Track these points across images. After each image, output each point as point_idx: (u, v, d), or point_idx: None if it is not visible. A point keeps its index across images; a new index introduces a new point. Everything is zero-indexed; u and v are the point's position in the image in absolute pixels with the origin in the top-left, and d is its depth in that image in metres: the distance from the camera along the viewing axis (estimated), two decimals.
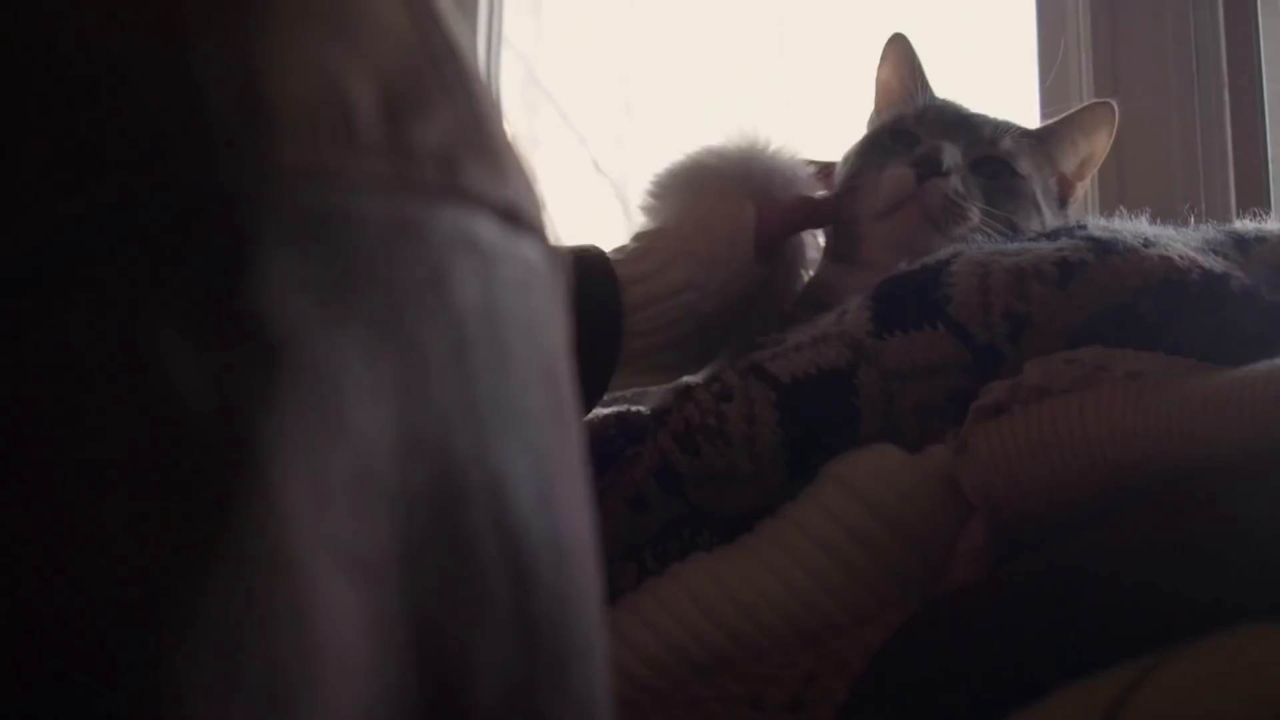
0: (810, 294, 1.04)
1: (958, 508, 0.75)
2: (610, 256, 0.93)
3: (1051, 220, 1.02)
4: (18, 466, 0.27)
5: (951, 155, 0.99)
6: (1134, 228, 0.80)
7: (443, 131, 0.34)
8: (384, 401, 0.31)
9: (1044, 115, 1.42)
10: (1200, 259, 0.75)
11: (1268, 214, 0.85)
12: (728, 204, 0.98)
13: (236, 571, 0.27)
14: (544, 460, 0.36)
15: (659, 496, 0.79)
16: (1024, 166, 1.02)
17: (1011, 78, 1.56)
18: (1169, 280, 0.74)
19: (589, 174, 1.92)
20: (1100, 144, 1.09)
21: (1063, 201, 1.08)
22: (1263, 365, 0.66)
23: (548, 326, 0.38)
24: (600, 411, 0.88)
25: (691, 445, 0.78)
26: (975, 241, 0.87)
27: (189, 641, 0.26)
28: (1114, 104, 1.09)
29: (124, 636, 0.26)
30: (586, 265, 0.90)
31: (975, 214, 0.97)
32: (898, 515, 0.75)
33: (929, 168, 0.97)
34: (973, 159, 1.00)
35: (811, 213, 1.04)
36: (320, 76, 0.31)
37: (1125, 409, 0.68)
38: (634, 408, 0.86)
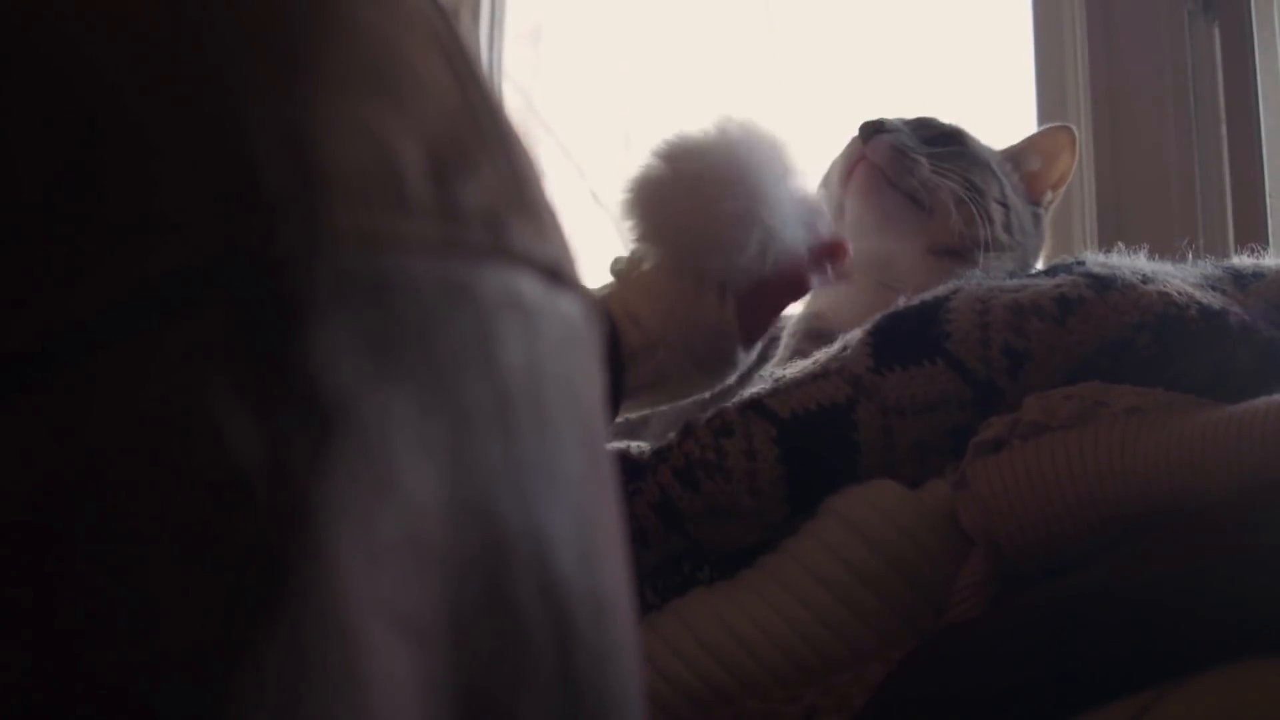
0: (808, 326, 1.05)
1: (957, 543, 0.75)
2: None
3: (1015, 197, 1.07)
4: (78, 532, 0.27)
5: (895, 124, 1.06)
6: (1132, 263, 0.80)
7: (487, 191, 0.34)
8: (433, 463, 0.31)
9: None
10: (1198, 295, 0.75)
11: (1266, 250, 0.85)
12: (708, 307, 0.89)
13: (292, 637, 0.27)
14: (585, 518, 0.36)
15: (659, 531, 0.79)
16: (974, 141, 1.09)
17: (1009, 114, 1.57)
18: (1167, 316, 0.74)
19: (588, 206, 1.93)
20: (1063, 166, 1.14)
21: (1033, 201, 1.12)
22: (1261, 401, 0.66)
23: (586, 384, 0.38)
24: None
25: (692, 480, 0.78)
26: (973, 277, 0.87)
27: (246, 709, 0.26)
28: (1073, 129, 1.14)
29: (182, 705, 0.26)
30: None
31: (924, 163, 1.02)
32: (897, 550, 0.75)
33: (871, 129, 1.05)
34: (924, 136, 1.06)
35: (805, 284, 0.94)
36: (369, 139, 0.31)
37: (1124, 444, 0.69)
38: (634, 444, 0.86)
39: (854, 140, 1.07)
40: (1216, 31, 1.35)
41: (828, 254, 0.92)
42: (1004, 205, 1.06)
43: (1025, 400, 0.74)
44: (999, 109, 1.62)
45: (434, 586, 0.31)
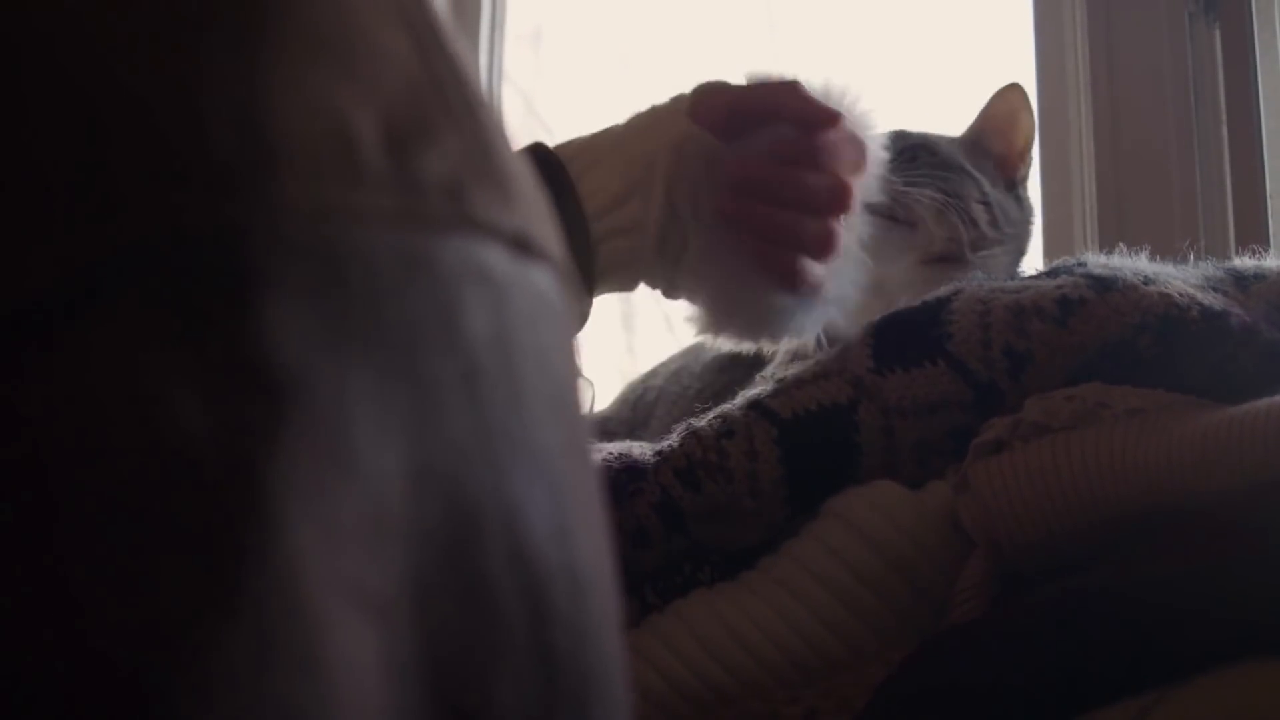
0: None
1: (958, 544, 0.75)
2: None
3: (994, 190, 1.08)
4: (24, 516, 0.26)
5: None
6: (1134, 265, 0.80)
7: (449, 160, 0.34)
8: (395, 438, 0.30)
9: (1043, 155, 1.43)
10: (1200, 296, 0.75)
11: (1267, 251, 0.85)
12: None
13: (249, 618, 0.27)
14: (559, 491, 0.35)
15: (660, 532, 0.79)
16: (944, 145, 1.10)
17: None
18: (1169, 317, 0.74)
19: None
20: (1025, 128, 1.14)
21: (1010, 183, 1.13)
22: (1262, 402, 0.66)
23: (559, 356, 0.37)
24: (603, 447, 0.88)
25: (693, 481, 0.78)
26: (975, 279, 0.87)
27: (202, 692, 0.26)
28: (1019, 85, 1.15)
29: (136, 687, 0.26)
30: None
31: (896, 180, 1.01)
32: (899, 551, 0.75)
33: None
34: (895, 150, 1.04)
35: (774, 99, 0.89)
36: (322, 110, 0.31)
37: (1125, 446, 0.69)
38: (637, 445, 0.86)
39: None
40: (1217, 33, 1.35)
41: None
42: (985, 203, 1.07)
43: (1026, 401, 0.74)
44: None
45: (397, 562, 0.30)
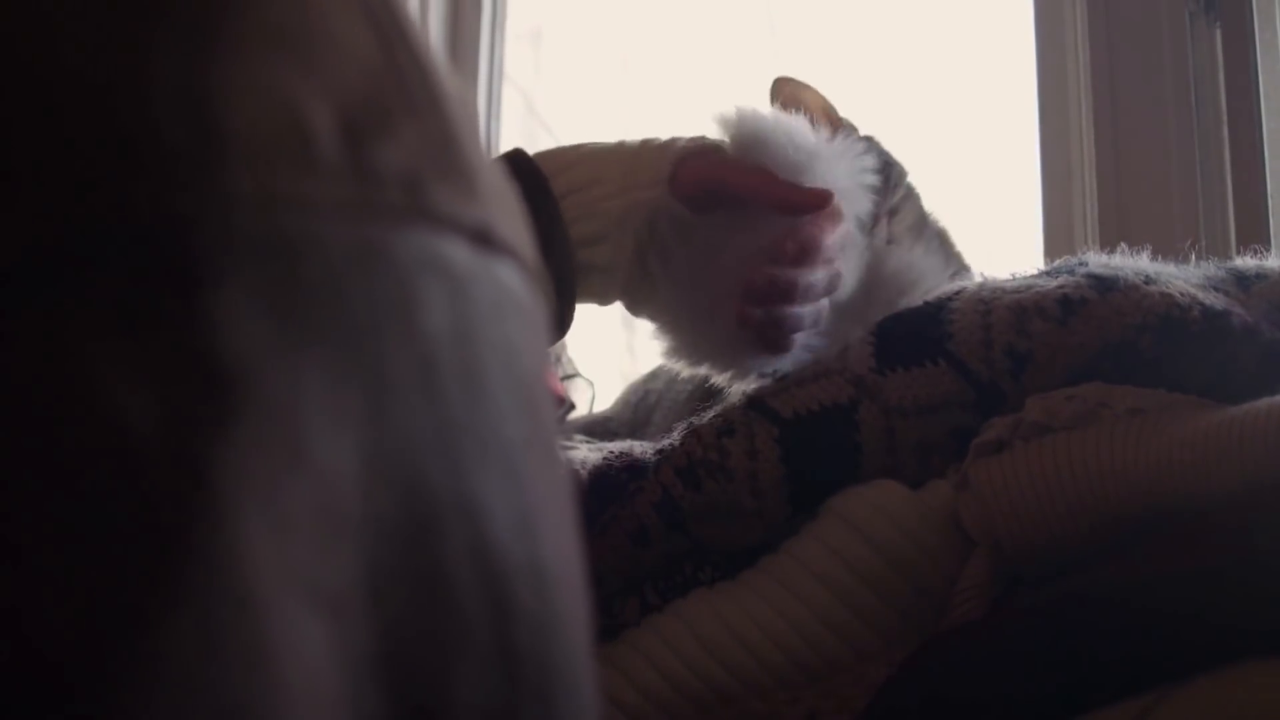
0: None
1: (959, 544, 0.75)
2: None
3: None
4: None
5: None
6: (1135, 265, 0.80)
7: (407, 152, 0.33)
8: (348, 430, 0.30)
9: (1044, 155, 1.43)
10: (1201, 296, 0.75)
11: (1268, 251, 0.85)
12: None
13: (193, 611, 0.27)
14: (524, 487, 0.35)
15: (661, 531, 0.79)
16: None
17: (1010, 115, 1.57)
18: (1170, 317, 0.74)
19: None
20: (811, 103, 1.13)
21: None
22: (1264, 402, 0.66)
23: (526, 352, 0.37)
24: (604, 447, 0.88)
25: (693, 480, 0.78)
26: (973, 278, 0.87)
27: (144, 684, 0.26)
28: (784, 76, 1.14)
29: (79, 675, 0.26)
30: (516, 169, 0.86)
31: None
32: (899, 551, 0.75)
33: None
34: None
35: (749, 182, 0.91)
36: (275, 100, 0.31)
37: (1126, 445, 0.68)
38: (638, 444, 0.86)
39: None
40: (1218, 32, 1.35)
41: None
42: None
43: (1027, 401, 0.74)
44: (999, 110, 1.62)
45: (351, 557, 0.30)
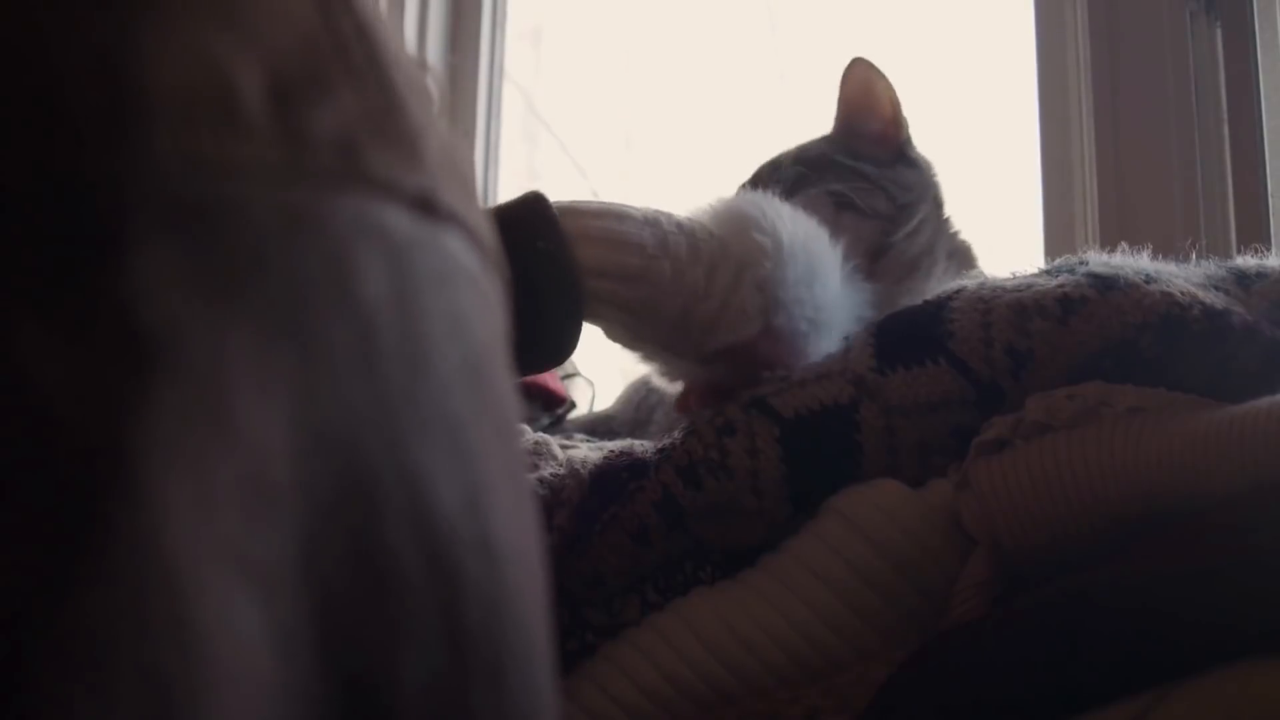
0: None
1: (960, 543, 0.75)
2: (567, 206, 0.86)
3: (879, 169, 1.08)
4: None
5: None
6: (1135, 264, 0.80)
7: (344, 117, 0.32)
8: (279, 400, 0.29)
9: (1044, 155, 1.43)
10: (1201, 295, 0.75)
11: (1268, 250, 0.85)
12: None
13: (110, 580, 0.26)
14: (472, 462, 0.34)
15: (661, 530, 0.79)
16: (816, 153, 1.11)
17: (1010, 114, 1.57)
18: (1170, 316, 0.74)
19: None
20: (884, 94, 1.13)
21: (897, 154, 1.12)
22: (1264, 401, 0.66)
23: (476, 322, 0.36)
24: (605, 445, 0.88)
25: (694, 479, 0.78)
26: (975, 278, 0.87)
27: (59, 656, 0.25)
28: (860, 59, 1.13)
29: None
30: (526, 214, 0.83)
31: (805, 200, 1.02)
32: (900, 550, 0.75)
33: None
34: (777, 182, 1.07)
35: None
36: (198, 61, 0.30)
37: (1126, 444, 0.68)
38: (639, 443, 0.85)
39: None
40: (1219, 31, 1.35)
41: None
42: (868, 180, 1.08)
43: (1028, 400, 0.74)
44: (999, 109, 1.62)
45: (284, 531, 0.29)
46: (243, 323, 0.29)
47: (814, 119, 1.64)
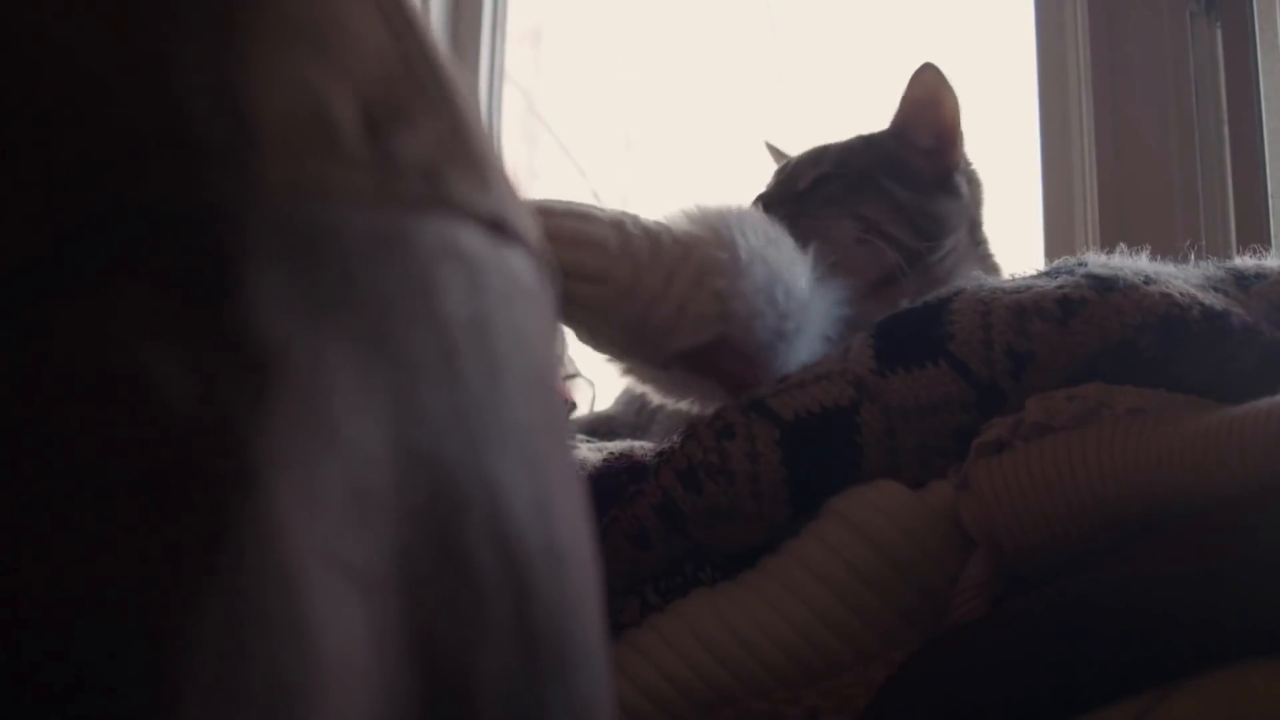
0: None
1: (960, 544, 0.75)
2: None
3: (914, 196, 1.07)
4: (8, 481, 0.26)
5: (767, 197, 1.09)
6: (1135, 265, 0.80)
7: (425, 142, 0.34)
8: (375, 412, 0.31)
9: (1044, 155, 1.43)
10: (1201, 296, 0.75)
11: (1268, 250, 0.85)
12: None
13: (233, 584, 0.27)
14: (539, 469, 0.36)
15: (661, 533, 0.79)
16: (861, 158, 1.09)
17: (1010, 114, 1.57)
18: (1170, 317, 0.74)
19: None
20: (950, 106, 1.11)
21: (943, 178, 1.10)
22: (1264, 402, 0.66)
23: (539, 337, 0.38)
24: (605, 446, 0.88)
25: (694, 482, 0.78)
26: (976, 279, 0.87)
27: (186, 654, 0.26)
28: (931, 64, 1.11)
29: (120, 651, 0.26)
30: None
31: (826, 225, 1.04)
32: (900, 551, 0.75)
33: None
34: (814, 178, 1.09)
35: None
36: (302, 91, 0.31)
37: (1126, 445, 0.69)
38: (638, 445, 0.85)
39: None
40: (1218, 32, 1.35)
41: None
42: (897, 208, 1.06)
43: (1028, 401, 0.74)
44: (1000, 109, 1.62)
45: (382, 536, 0.30)
46: (342, 338, 0.31)
47: (814, 119, 1.63)
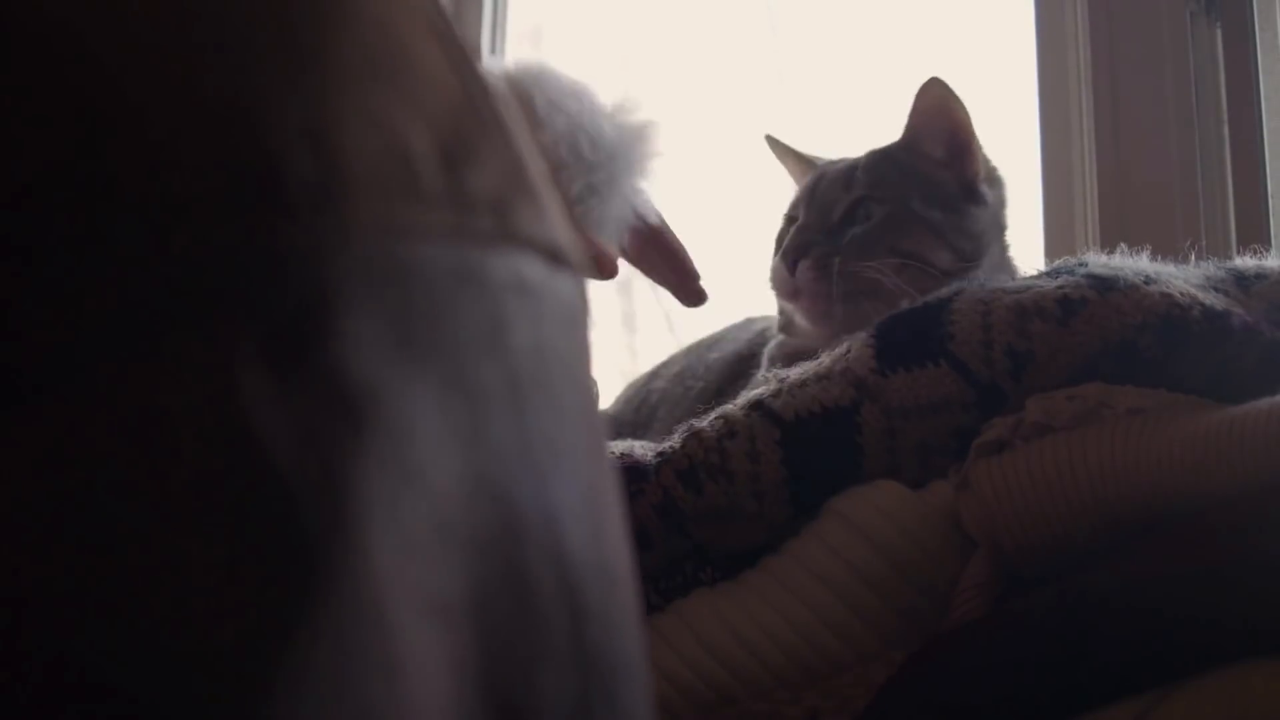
0: (785, 352, 1.06)
1: (960, 544, 0.75)
2: None
3: (941, 214, 1.07)
4: (115, 526, 0.27)
5: (810, 234, 1.07)
6: (1135, 265, 0.80)
7: (492, 175, 0.35)
8: (454, 448, 0.31)
9: (1044, 155, 1.43)
10: (1201, 296, 0.75)
11: (1268, 251, 0.85)
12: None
13: (333, 625, 0.28)
14: (591, 492, 0.37)
15: (661, 533, 0.79)
16: (883, 190, 1.08)
17: (1010, 114, 1.57)
18: (1170, 317, 0.74)
19: None
20: (958, 114, 1.10)
21: (967, 187, 1.10)
22: (1264, 402, 0.66)
23: (582, 362, 0.38)
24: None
25: (695, 482, 0.78)
26: (975, 280, 0.87)
27: (287, 695, 0.27)
28: (935, 78, 1.10)
29: (228, 695, 0.26)
30: None
31: (848, 264, 1.04)
32: (900, 551, 0.75)
33: (793, 256, 1.07)
34: (845, 210, 1.08)
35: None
36: (383, 131, 0.32)
37: (1126, 445, 0.69)
38: (639, 444, 0.85)
39: (776, 264, 1.10)
40: (1219, 32, 1.35)
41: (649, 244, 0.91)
42: (936, 235, 1.06)
43: (1028, 401, 0.74)
44: (1000, 109, 1.62)
45: (459, 569, 0.31)
46: (426, 376, 0.31)
47: (814, 119, 1.63)
